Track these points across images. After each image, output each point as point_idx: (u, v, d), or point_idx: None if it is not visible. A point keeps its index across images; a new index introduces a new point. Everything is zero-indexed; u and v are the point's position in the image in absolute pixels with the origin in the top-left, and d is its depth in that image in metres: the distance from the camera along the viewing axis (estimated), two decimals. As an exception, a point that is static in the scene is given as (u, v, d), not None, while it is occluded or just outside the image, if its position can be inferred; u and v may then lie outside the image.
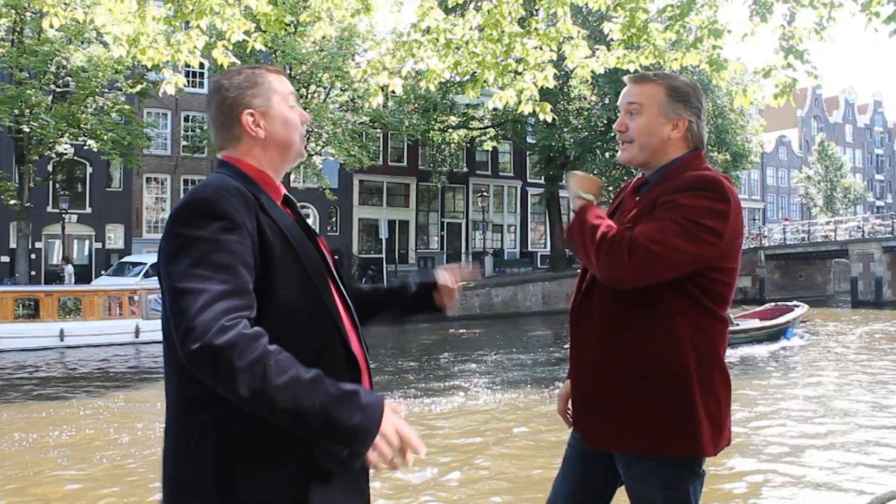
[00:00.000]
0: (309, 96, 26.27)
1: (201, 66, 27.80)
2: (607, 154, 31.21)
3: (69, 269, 23.46)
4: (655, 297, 1.88)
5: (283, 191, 1.67)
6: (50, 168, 25.02)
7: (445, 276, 2.00)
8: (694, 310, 1.90)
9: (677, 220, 1.81)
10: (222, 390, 1.35)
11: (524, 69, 5.20)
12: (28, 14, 20.09)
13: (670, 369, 1.89)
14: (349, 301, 1.69)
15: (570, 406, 2.14)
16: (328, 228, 32.72)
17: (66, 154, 23.21)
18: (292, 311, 1.50)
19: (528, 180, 39.54)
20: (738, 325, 18.33)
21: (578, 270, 2.17)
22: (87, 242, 28.53)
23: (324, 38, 21.38)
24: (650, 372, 1.90)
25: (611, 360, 1.93)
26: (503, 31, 5.03)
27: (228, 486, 1.42)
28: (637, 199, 2.05)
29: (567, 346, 2.33)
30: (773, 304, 22.11)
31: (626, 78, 2.10)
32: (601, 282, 1.93)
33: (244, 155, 1.63)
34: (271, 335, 1.41)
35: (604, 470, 2.08)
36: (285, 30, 5.71)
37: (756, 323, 19.12)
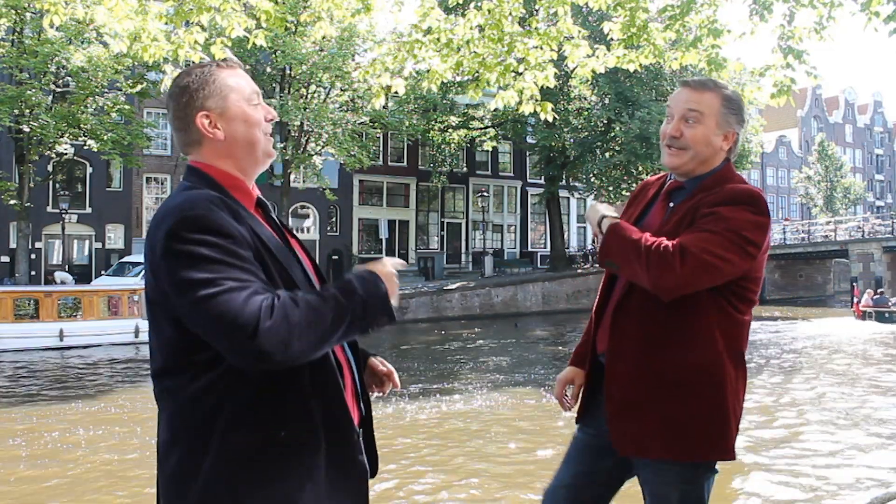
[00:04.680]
0: (309, 96, 26.27)
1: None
2: (607, 154, 31.24)
3: (64, 276, 22.75)
4: (693, 307, 1.92)
5: (256, 193, 1.63)
6: (50, 168, 25.03)
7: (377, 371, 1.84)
8: (728, 319, 1.96)
9: (725, 232, 1.86)
10: (286, 357, 1.37)
11: (525, 69, 5.20)
12: (28, 14, 20.08)
13: (707, 378, 1.94)
14: None
15: (567, 391, 2.24)
16: (328, 228, 32.73)
17: (66, 154, 23.20)
18: None
19: (528, 180, 39.55)
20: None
21: (600, 275, 2.21)
22: (87, 242, 28.53)
23: (324, 38, 21.40)
24: (688, 380, 1.93)
25: (648, 370, 1.95)
26: (504, 31, 5.03)
27: (230, 498, 1.43)
28: (671, 205, 2.08)
29: (569, 342, 2.35)
30: None
31: (683, 83, 2.12)
32: (638, 292, 1.96)
33: (212, 159, 1.58)
34: None
35: (609, 466, 2.11)
36: (286, 28, 5.71)
37: None
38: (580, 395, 2.21)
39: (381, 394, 1.84)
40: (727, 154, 2.08)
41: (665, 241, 1.88)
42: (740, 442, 2.12)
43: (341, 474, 1.52)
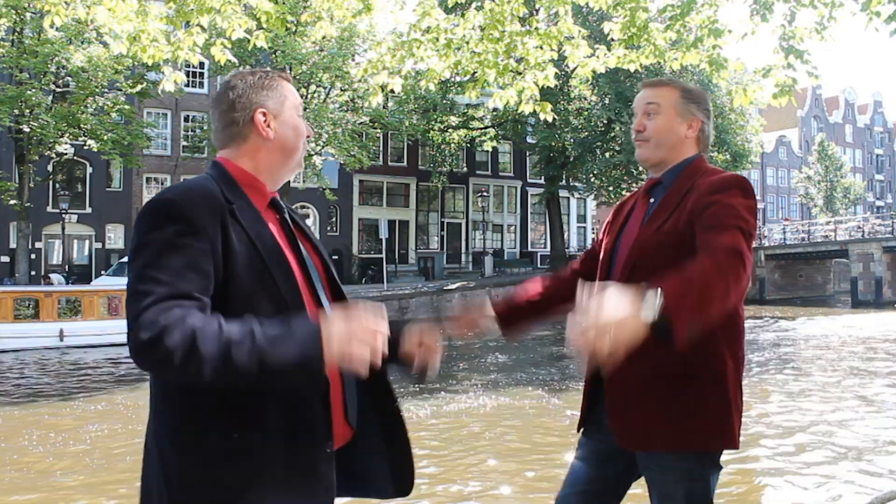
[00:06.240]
0: (309, 96, 26.27)
1: (201, 65, 27.81)
2: (607, 154, 31.25)
3: (58, 277, 22.95)
4: None
5: (273, 195, 1.66)
6: (50, 168, 25.05)
7: (413, 338, 1.72)
8: None
9: (740, 227, 1.81)
10: (170, 377, 1.42)
11: (525, 69, 5.20)
12: (28, 14, 20.10)
13: (709, 368, 1.93)
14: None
15: (477, 314, 2.16)
16: (328, 228, 32.73)
17: (66, 154, 23.23)
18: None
19: (528, 180, 39.56)
20: None
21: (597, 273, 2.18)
22: (87, 242, 28.53)
23: (324, 38, 21.40)
24: (689, 371, 1.92)
25: (648, 363, 1.91)
26: (504, 31, 5.03)
27: (182, 487, 1.45)
28: (652, 200, 2.08)
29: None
30: None
31: (641, 84, 2.18)
32: (633, 285, 1.93)
33: (242, 156, 1.63)
34: None
35: (618, 470, 2.11)
36: (287, 28, 5.71)
37: None
38: (581, 405, 2.19)
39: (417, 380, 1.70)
40: (697, 146, 2.11)
41: (705, 260, 1.71)
42: (745, 438, 2.11)
43: (300, 485, 1.50)
